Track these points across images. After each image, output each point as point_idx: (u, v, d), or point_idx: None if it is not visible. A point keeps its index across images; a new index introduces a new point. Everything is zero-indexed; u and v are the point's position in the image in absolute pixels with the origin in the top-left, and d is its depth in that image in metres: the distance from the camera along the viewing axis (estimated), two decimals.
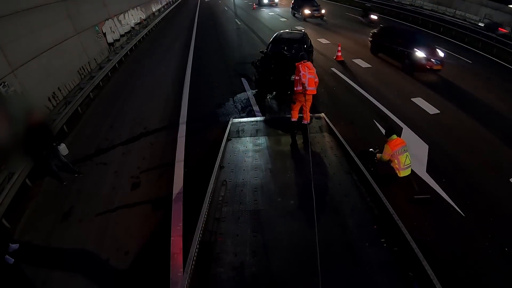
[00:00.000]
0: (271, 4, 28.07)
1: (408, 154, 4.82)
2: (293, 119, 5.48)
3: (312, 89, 5.43)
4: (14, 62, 7.03)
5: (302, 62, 5.41)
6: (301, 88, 5.31)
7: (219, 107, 8.19)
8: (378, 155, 5.09)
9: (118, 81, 11.03)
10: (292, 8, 21.99)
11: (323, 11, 19.54)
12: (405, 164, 4.80)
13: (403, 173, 4.85)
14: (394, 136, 4.84)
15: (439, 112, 7.60)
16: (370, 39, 12.32)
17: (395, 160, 4.77)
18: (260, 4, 28.38)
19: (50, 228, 4.62)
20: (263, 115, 7.35)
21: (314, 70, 5.48)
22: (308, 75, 5.31)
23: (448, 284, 2.85)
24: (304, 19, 19.57)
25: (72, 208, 4.99)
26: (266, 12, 24.48)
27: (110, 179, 5.64)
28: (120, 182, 5.53)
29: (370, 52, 12.23)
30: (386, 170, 4.85)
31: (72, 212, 4.92)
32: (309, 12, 19.20)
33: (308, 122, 5.47)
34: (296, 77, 5.37)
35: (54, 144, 5.38)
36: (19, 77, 7.08)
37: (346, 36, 15.32)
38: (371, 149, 5.38)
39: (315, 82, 5.45)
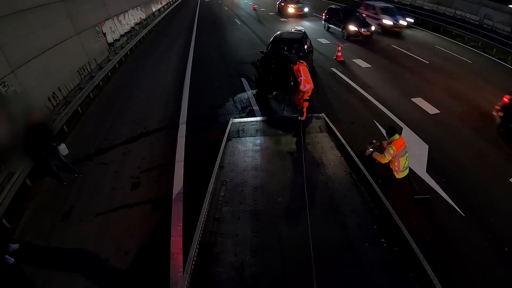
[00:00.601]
0: (299, 14, 21.03)
1: (408, 156, 4.79)
2: (303, 119, 5.61)
3: (311, 86, 5.73)
4: (14, 62, 7.02)
5: (299, 62, 5.49)
6: (304, 86, 5.47)
7: (219, 107, 8.19)
8: (375, 154, 4.94)
9: (118, 81, 11.03)
10: (325, 21, 16.59)
11: (373, 28, 14.21)
12: (404, 166, 4.75)
13: (401, 175, 4.80)
14: (397, 136, 4.66)
15: (439, 112, 7.60)
16: (501, 113, 6.88)
17: (396, 162, 4.68)
18: (283, 14, 20.88)
19: (50, 228, 4.62)
20: (263, 115, 7.35)
21: None
22: (307, 74, 5.47)
23: (448, 284, 2.85)
24: (347, 37, 14.39)
25: (72, 208, 4.99)
26: (266, 12, 24.46)
27: (110, 179, 5.64)
28: (120, 182, 5.53)
29: (497, 133, 6.83)
30: (384, 172, 4.80)
31: (72, 212, 4.92)
32: (356, 29, 13.93)
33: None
34: (302, 78, 5.48)
35: (54, 144, 5.38)
36: (19, 77, 7.07)
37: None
38: (371, 149, 5.37)
39: None
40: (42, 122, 5.19)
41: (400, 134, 6.43)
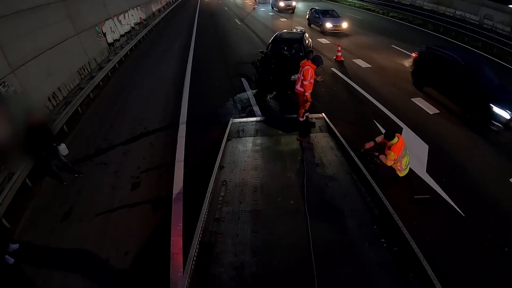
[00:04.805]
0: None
1: (408, 153, 4.84)
2: (303, 119, 5.64)
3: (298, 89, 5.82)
4: (14, 62, 7.02)
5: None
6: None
7: (219, 107, 8.19)
8: (382, 156, 4.98)
9: (118, 81, 11.03)
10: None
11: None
12: (406, 164, 4.82)
13: (404, 173, 4.86)
14: (396, 139, 4.59)
15: (439, 112, 7.60)
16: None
17: (398, 163, 4.73)
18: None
19: (50, 228, 4.62)
20: (263, 115, 7.35)
21: None
22: (299, 77, 5.57)
23: (448, 284, 2.85)
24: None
25: (72, 208, 4.99)
26: (266, 12, 24.46)
27: (110, 179, 5.64)
28: (120, 182, 5.53)
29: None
30: (386, 171, 4.83)
31: (72, 212, 4.92)
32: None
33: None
34: (311, 80, 5.48)
35: (54, 144, 5.38)
36: (19, 77, 7.07)
37: None
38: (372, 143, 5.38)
39: None
40: (42, 122, 5.19)
41: (400, 134, 6.48)
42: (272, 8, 25.41)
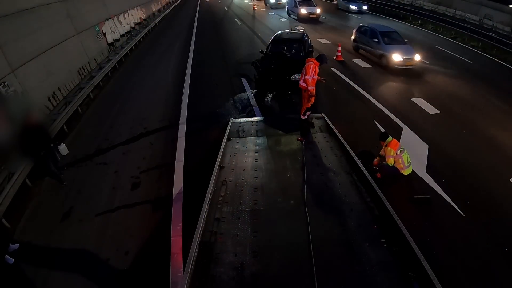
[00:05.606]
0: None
1: (407, 152, 4.90)
2: (304, 118, 5.66)
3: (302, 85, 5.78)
4: (14, 62, 7.02)
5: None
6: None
7: (219, 107, 8.19)
8: (376, 160, 5.18)
9: (118, 81, 11.02)
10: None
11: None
12: (408, 161, 4.88)
13: (407, 171, 4.91)
14: (390, 138, 4.90)
15: (439, 112, 7.60)
16: None
17: (399, 160, 4.82)
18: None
19: (50, 228, 4.62)
20: (263, 115, 7.35)
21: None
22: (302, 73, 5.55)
23: (448, 284, 2.85)
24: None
25: (72, 208, 4.99)
26: (266, 12, 24.46)
27: (110, 179, 5.64)
28: (120, 182, 5.53)
29: None
30: (390, 171, 4.87)
31: (72, 212, 4.92)
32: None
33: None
34: (314, 76, 5.49)
35: (52, 145, 5.37)
36: (19, 77, 7.07)
37: None
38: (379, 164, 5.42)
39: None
40: (39, 123, 5.18)
41: (400, 134, 6.53)
42: (289, 15, 20.53)
